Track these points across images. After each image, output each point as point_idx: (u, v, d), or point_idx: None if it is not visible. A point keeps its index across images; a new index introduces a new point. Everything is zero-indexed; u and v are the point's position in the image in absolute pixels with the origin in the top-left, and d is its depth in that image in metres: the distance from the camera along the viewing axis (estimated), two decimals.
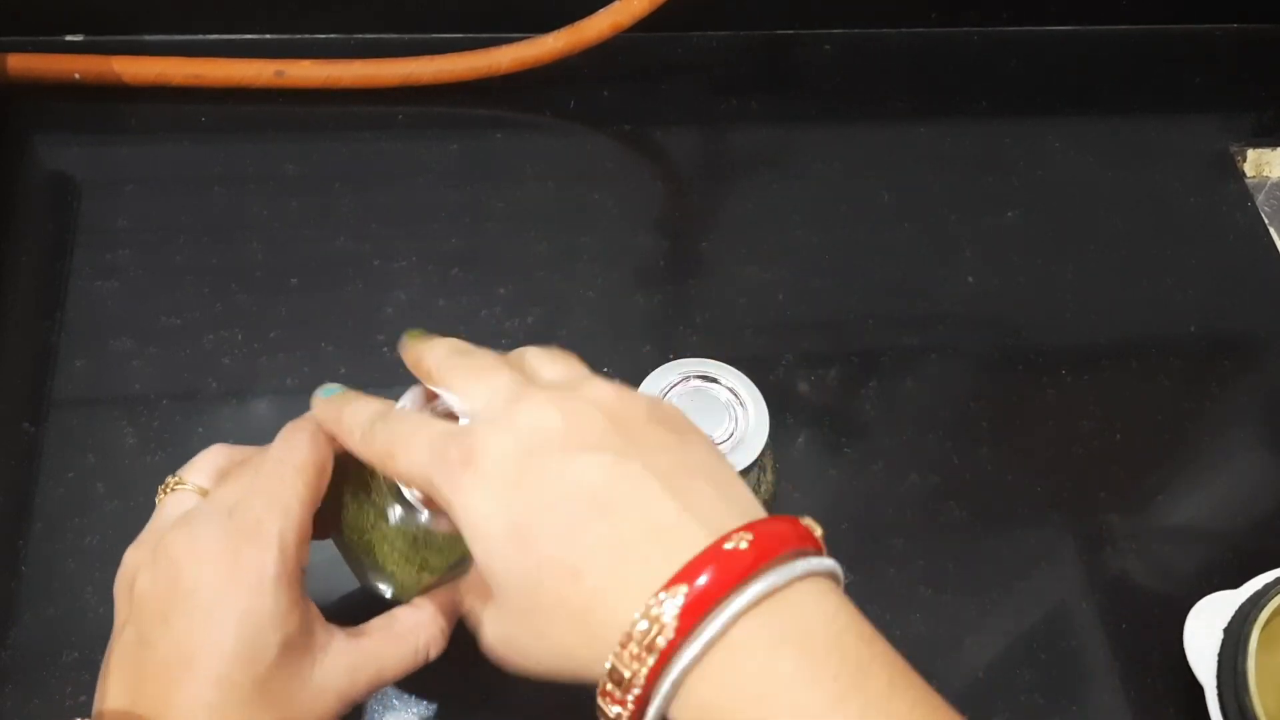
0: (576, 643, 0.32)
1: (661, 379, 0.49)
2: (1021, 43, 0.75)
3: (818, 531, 0.34)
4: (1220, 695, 0.49)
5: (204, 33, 0.68)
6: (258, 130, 0.66)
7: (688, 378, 0.49)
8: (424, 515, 0.41)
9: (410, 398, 0.41)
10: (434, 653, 0.41)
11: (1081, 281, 0.65)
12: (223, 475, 0.41)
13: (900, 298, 0.64)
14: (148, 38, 0.68)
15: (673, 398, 0.48)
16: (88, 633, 0.50)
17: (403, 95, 0.67)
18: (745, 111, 0.71)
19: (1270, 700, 0.48)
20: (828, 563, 0.33)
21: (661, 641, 0.30)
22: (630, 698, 0.31)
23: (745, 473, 0.47)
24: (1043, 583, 0.55)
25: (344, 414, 0.39)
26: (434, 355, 0.38)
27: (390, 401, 0.40)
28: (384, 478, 0.41)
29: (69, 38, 0.67)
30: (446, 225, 0.64)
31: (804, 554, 0.32)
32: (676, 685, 0.30)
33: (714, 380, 0.49)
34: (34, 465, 0.54)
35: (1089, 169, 0.70)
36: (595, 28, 0.65)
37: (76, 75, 0.65)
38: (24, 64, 0.64)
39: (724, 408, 0.48)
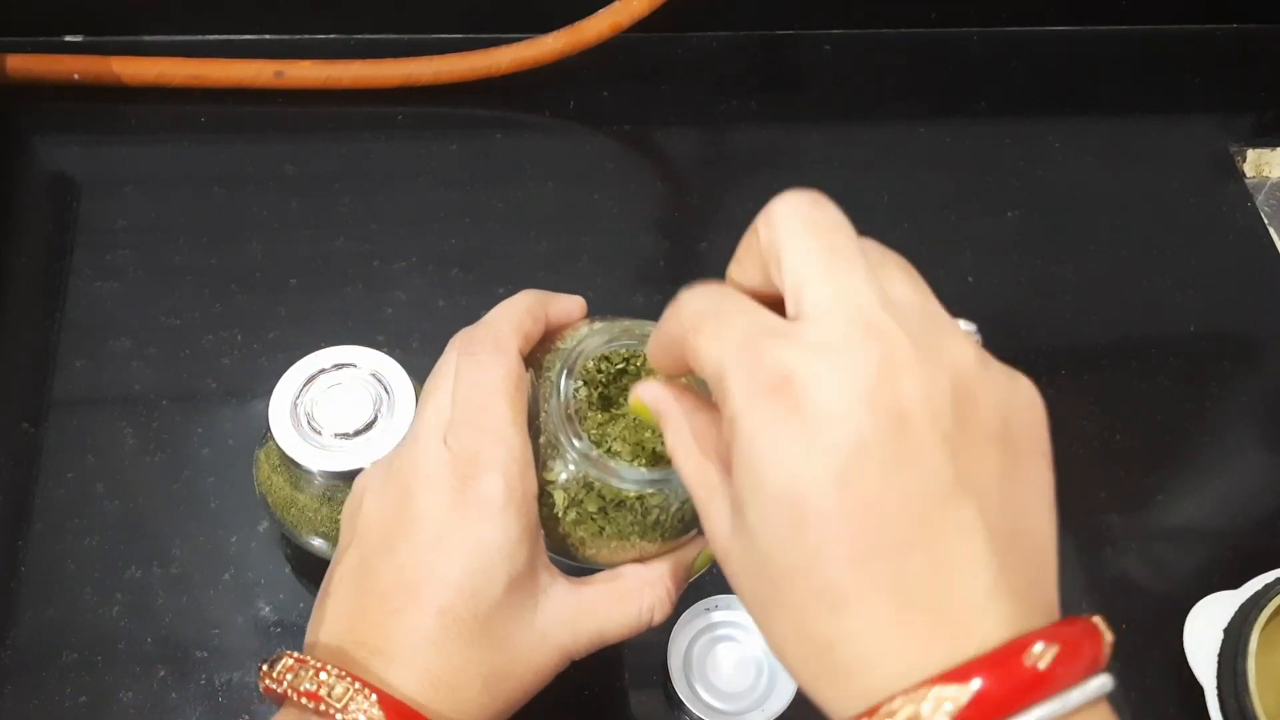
0: (804, 665, 0.27)
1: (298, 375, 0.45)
2: (1021, 43, 0.75)
3: (1109, 638, 0.28)
4: (1220, 695, 0.49)
5: (204, 33, 0.68)
6: (258, 130, 0.66)
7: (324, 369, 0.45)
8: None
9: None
10: (659, 617, 0.38)
11: (1081, 281, 0.65)
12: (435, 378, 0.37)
13: None
14: (147, 38, 0.68)
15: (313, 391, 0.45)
16: (88, 633, 0.50)
17: (402, 96, 0.67)
18: (745, 111, 0.71)
19: (1270, 700, 0.48)
20: (1110, 683, 0.27)
21: None
22: None
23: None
24: None
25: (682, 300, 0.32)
26: (786, 222, 0.30)
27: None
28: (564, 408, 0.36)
29: (68, 38, 0.67)
30: (446, 225, 0.64)
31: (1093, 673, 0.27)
32: None
33: (353, 366, 0.45)
34: (34, 466, 0.54)
35: (1089, 169, 0.70)
36: (595, 28, 0.65)
37: (76, 76, 0.65)
38: (24, 64, 0.64)
39: (368, 394, 0.45)
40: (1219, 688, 0.49)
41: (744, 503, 0.28)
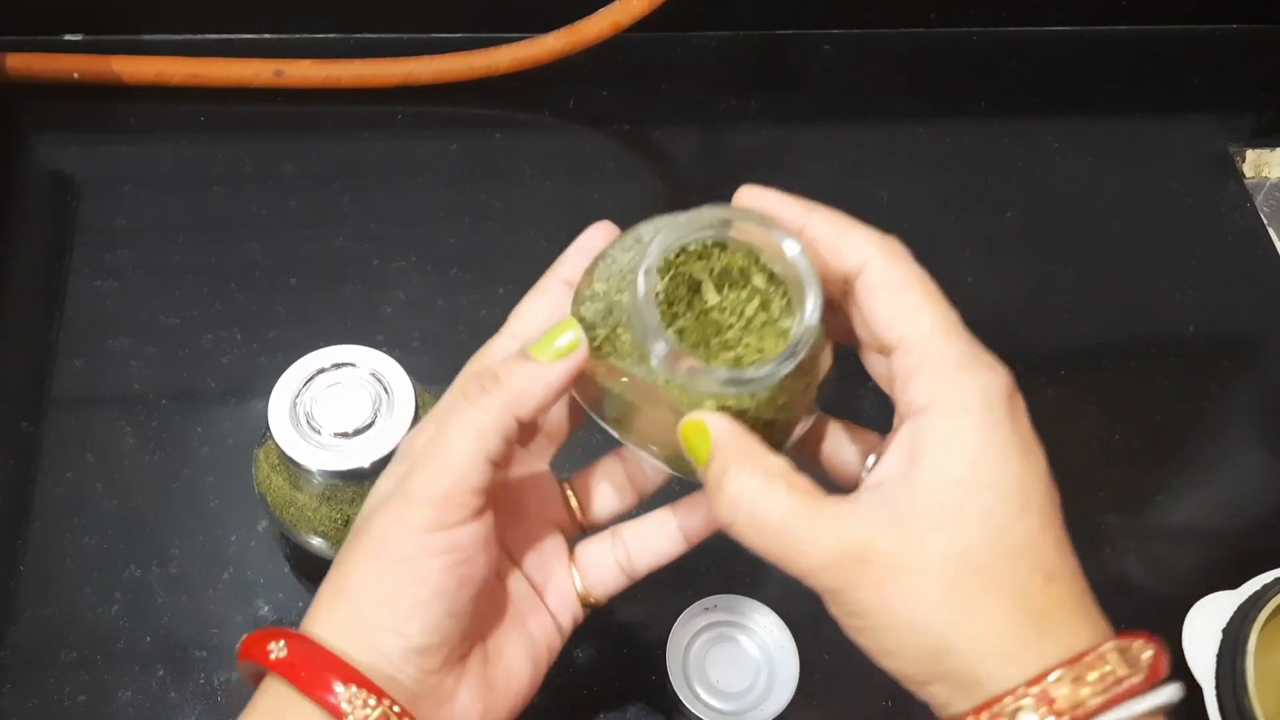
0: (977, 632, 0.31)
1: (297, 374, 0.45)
2: (1021, 43, 0.75)
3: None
4: (1219, 695, 0.49)
5: (203, 32, 0.68)
6: (257, 130, 0.66)
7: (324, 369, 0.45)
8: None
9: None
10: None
11: (1081, 281, 0.65)
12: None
13: None
14: (147, 37, 0.68)
15: (314, 389, 0.45)
16: (87, 633, 0.50)
17: (402, 95, 0.67)
18: (745, 111, 0.71)
19: (1269, 700, 0.48)
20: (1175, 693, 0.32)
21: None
22: None
23: None
24: None
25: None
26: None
27: None
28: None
29: (68, 37, 0.67)
30: (446, 225, 0.64)
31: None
32: None
33: (353, 365, 0.45)
34: (33, 465, 0.54)
35: (1089, 169, 0.70)
36: (595, 28, 0.65)
37: (76, 75, 0.65)
38: (24, 64, 0.64)
39: (367, 394, 0.45)
40: (1218, 688, 0.49)
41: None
